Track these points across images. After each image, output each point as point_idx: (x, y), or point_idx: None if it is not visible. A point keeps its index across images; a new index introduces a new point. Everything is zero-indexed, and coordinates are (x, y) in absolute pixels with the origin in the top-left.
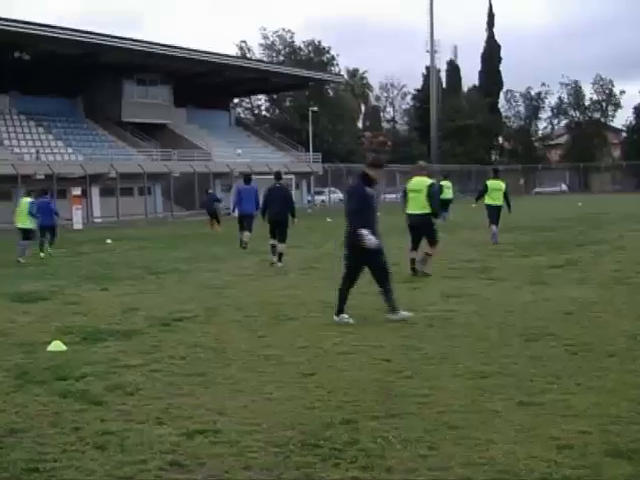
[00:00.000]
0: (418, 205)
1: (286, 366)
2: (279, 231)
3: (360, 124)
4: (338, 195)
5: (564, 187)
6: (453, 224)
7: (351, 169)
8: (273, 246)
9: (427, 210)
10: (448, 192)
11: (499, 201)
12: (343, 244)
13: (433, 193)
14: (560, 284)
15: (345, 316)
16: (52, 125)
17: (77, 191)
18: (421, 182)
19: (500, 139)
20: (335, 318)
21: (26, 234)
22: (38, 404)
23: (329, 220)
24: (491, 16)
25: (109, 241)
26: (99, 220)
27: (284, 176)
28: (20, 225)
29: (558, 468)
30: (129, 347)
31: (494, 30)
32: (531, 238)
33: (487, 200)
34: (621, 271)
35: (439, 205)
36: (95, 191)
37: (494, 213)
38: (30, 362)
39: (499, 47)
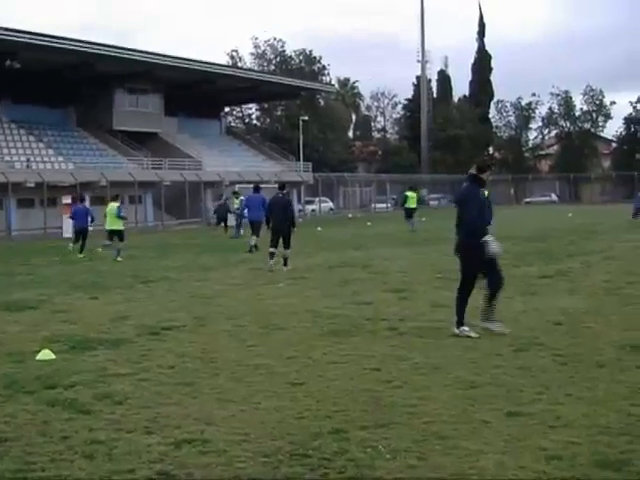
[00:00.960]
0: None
1: (275, 376)
2: (283, 238)
3: (351, 133)
4: (328, 204)
5: (554, 197)
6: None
7: (341, 179)
8: (272, 254)
9: None
10: (412, 202)
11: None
12: (456, 251)
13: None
14: (550, 294)
15: (466, 329)
16: (43, 133)
17: (67, 200)
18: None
19: (490, 149)
20: (455, 330)
21: (119, 235)
22: (27, 413)
23: (319, 229)
24: (482, 26)
25: (99, 249)
26: (90, 228)
27: (274, 185)
28: (110, 227)
29: (547, 479)
30: (118, 356)
31: (485, 40)
32: (521, 248)
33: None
34: (611, 281)
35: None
36: (86, 199)
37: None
38: (19, 371)
39: (490, 57)
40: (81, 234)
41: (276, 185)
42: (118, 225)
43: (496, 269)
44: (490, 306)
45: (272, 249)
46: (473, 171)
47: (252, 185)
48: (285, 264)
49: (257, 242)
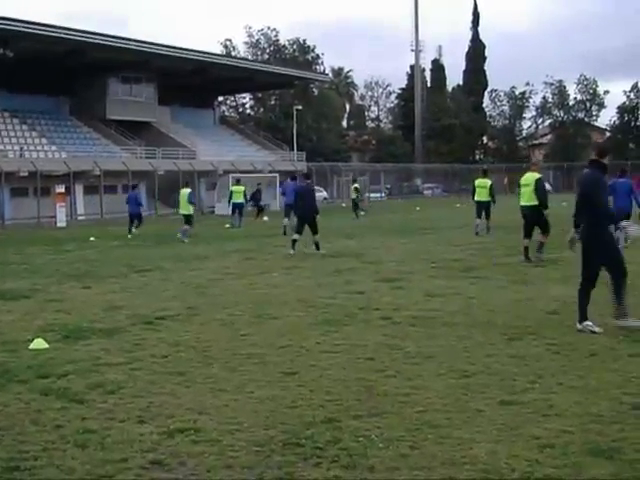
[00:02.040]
0: (528, 197)
1: (268, 365)
2: (309, 225)
3: (345, 123)
4: (322, 194)
5: (548, 186)
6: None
7: (335, 168)
8: (295, 241)
9: (535, 202)
10: (353, 193)
11: (484, 197)
12: (584, 241)
13: (540, 187)
14: (543, 283)
15: (589, 323)
16: (36, 122)
17: (61, 189)
18: (531, 176)
19: (484, 138)
20: (578, 326)
21: (187, 219)
22: (19, 402)
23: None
24: (476, 15)
25: (92, 239)
26: (83, 218)
27: (268, 174)
28: (182, 212)
29: (540, 467)
30: (111, 345)
31: (479, 29)
32: (514, 237)
33: (476, 197)
34: (604, 270)
35: (546, 197)
36: (79, 189)
37: (480, 208)
38: (12, 360)
39: (484, 46)
40: (135, 218)
41: (270, 174)
42: (187, 210)
43: (618, 258)
44: (620, 299)
45: (296, 236)
46: (593, 157)
47: (288, 175)
48: (317, 248)
49: (287, 223)
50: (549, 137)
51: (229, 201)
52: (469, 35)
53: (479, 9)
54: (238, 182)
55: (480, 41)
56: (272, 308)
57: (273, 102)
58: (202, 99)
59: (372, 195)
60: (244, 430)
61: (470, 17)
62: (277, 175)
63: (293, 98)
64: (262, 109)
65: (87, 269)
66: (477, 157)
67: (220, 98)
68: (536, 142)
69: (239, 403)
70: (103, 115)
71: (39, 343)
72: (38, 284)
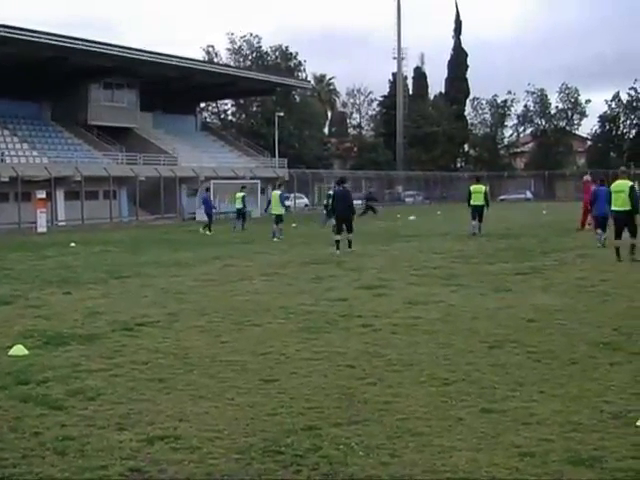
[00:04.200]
0: (622, 203)
1: (249, 372)
2: (347, 225)
3: (326, 130)
4: (304, 201)
5: (529, 194)
6: (400, 230)
7: (317, 175)
8: (337, 241)
9: (628, 207)
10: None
11: (479, 201)
12: None
13: (634, 193)
14: (524, 291)
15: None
16: (17, 128)
17: (42, 194)
18: (624, 184)
19: (466, 146)
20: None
21: (279, 218)
22: None
23: (294, 226)
24: (458, 23)
25: (73, 245)
26: (63, 223)
27: (250, 181)
28: (274, 212)
29: (520, 475)
30: (91, 352)
31: (461, 38)
32: (496, 245)
33: (472, 201)
34: (585, 279)
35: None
36: (60, 194)
37: (475, 211)
38: None
39: (466, 55)
40: (211, 217)
41: (252, 180)
42: (279, 210)
43: None
44: None
45: (337, 236)
46: None
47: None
48: (349, 246)
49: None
50: (530, 145)
51: (241, 207)
52: (451, 43)
53: (461, 17)
54: (243, 188)
55: (462, 49)
56: (253, 315)
57: (255, 109)
58: (184, 105)
59: (356, 202)
60: (224, 437)
61: (452, 25)
62: (259, 182)
63: (275, 105)
64: (244, 115)
65: (67, 275)
66: (458, 165)
67: (202, 104)
68: (517, 150)
69: (219, 410)
70: (85, 121)
71: (19, 349)
72: (18, 290)
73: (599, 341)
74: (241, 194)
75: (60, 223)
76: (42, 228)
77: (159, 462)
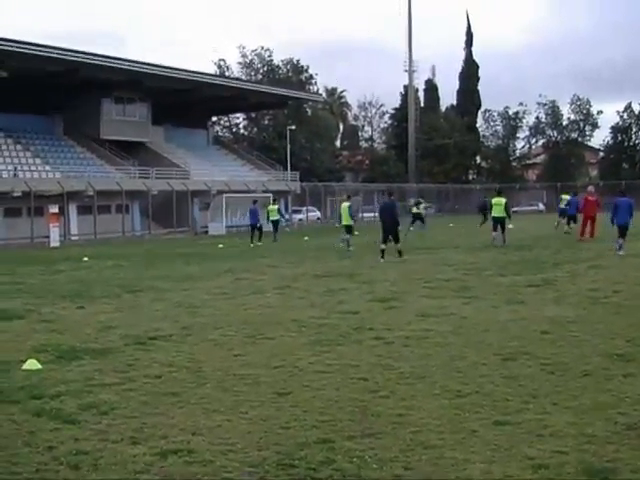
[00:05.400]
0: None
1: (262, 385)
2: (393, 235)
3: (338, 143)
4: (316, 214)
5: (541, 206)
6: (412, 242)
7: (329, 188)
8: (382, 251)
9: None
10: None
11: (500, 213)
12: None
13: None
14: (537, 303)
15: None
16: (30, 142)
17: (54, 209)
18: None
19: (478, 158)
20: None
21: (348, 229)
22: (12, 423)
23: (306, 239)
24: (469, 35)
25: (86, 259)
26: (76, 238)
27: (263, 194)
28: (344, 223)
29: None
30: (104, 365)
31: (472, 49)
32: (508, 257)
33: (492, 213)
34: (597, 290)
35: None
36: (72, 209)
37: (496, 223)
38: (4, 381)
39: (477, 66)
40: (254, 229)
41: (263, 194)
42: (348, 221)
43: None
44: None
45: (383, 246)
46: None
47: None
48: (400, 255)
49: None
50: (542, 157)
51: (267, 219)
52: (462, 55)
53: (472, 29)
54: (274, 201)
55: (473, 61)
56: (265, 328)
57: (267, 122)
58: (196, 119)
59: (365, 215)
60: (237, 451)
61: (464, 37)
62: (271, 195)
63: (286, 118)
64: (255, 129)
65: (80, 289)
66: (470, 177)
67: (214, 118)
68: (529, 162)
69: (232, 424)
70: (97, 135)
71: (32, 364)
72: (31, 304)
73: (612, 352)
74: (275, 207)
75: (73, 237)
76: (55, 242)
77: (173, 476)
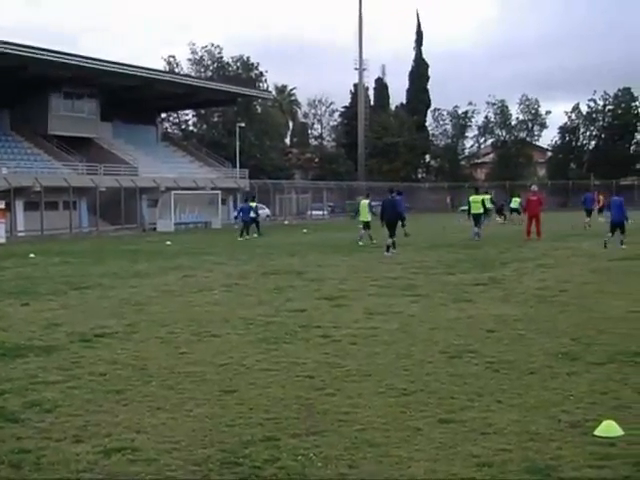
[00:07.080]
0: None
1: (207, 383)
2: (391, 230)
3: (288, 140)
4: (265, 211)
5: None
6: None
7: (278, 185)
8: (388, 246)
9: None
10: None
11: (478, 210)
12: None
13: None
14: (484, 302)
15: None
16: None
17: (1, 205)
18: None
19: (427, 157)
20: None
21: (367, 224)
22: None
23: (255, 236)
24: (419, 35)
25: (32, 255)
26: (23, 234)
27: (211, 191)
28: (362, 219)
29: None
30: (49, 363)
31: (422, 49)
32: (456, 255)
33: (471, 210)
34: (544, 289)
35: None
36: (19, 205)
37: (476, 219)
38: None
39: (427, 66)
40: (247, 225)
41: (212, 191)
42: (367, 217)
43: None
44: None
45: (390, 240)
46: None
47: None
48: (394, 247)
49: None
50: (491, 156)
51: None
52: (412, 55)
53: (422, 29)
54: (254, 198)
55: (423, 60)
56: (212, 326)
57: (216, 119)
58: (144, 115)
59: (314, 213)
60: (182, 449)
61: (414, 37)
62: (219, 192)
63: (236, 115)
64: (205, 126)
65: (26, 286)
66: (420, 175)
67: (163, 115)
68: (478, 161)
69: (177, 422)
70: (45, 130)
71: None
72: None
73: (558, 351)
74: (254, 204)
75: (19, 234)
76: (1, 239)
77: (116, 474)
